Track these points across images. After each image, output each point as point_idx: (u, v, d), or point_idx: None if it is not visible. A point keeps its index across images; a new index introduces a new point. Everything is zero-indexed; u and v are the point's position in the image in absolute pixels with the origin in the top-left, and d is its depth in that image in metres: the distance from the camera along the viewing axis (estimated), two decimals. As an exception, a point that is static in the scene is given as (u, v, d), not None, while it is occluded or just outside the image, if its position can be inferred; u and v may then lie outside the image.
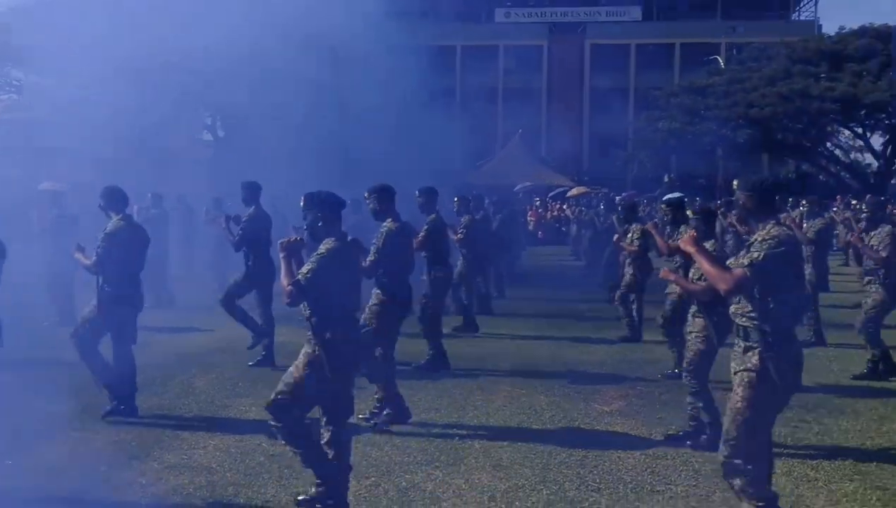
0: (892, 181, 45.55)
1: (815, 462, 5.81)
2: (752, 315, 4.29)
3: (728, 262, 4.51)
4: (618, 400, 7.63)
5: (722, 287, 4.30)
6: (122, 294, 6.63)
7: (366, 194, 7.06)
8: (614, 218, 13.36)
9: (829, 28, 60.34)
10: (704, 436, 6.19)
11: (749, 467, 4.29)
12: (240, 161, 17.32)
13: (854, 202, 23.71)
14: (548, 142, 49.68)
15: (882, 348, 8.34)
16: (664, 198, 9.61)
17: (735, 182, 4.54)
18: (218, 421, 6.84)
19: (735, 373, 4.37)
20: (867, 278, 8.44)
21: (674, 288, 8.00)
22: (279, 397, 4.86)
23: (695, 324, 6.28)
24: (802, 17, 55.37)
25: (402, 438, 6.33)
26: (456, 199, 11.28)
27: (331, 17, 16.40)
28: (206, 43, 14.41)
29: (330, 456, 4.89)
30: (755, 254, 4.22)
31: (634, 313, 10.51)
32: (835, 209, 21.15)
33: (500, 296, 13.99)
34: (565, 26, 53.54)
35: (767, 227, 4.32)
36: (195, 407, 7.27)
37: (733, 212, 14.15)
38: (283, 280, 4.76)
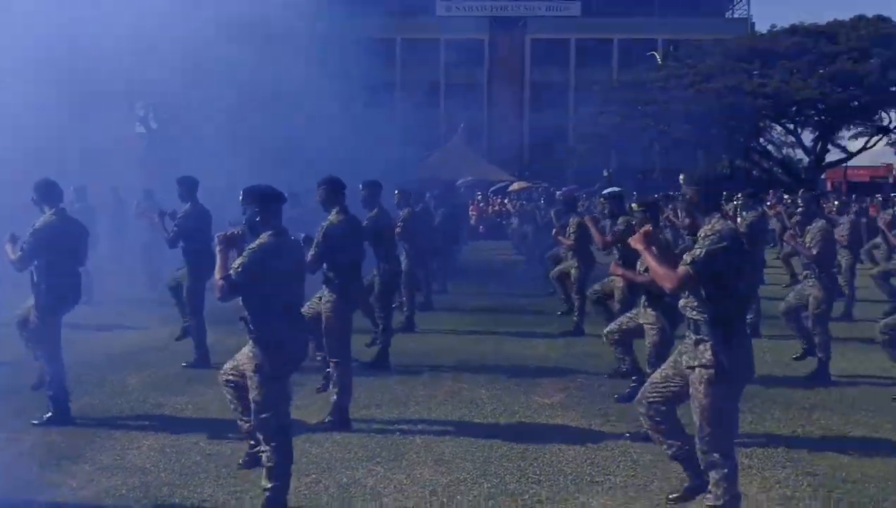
0: (822, 176, 46.94)
1: (748, 450, 5.92)
2: (701, 308, 4.34)
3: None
4: (559, 392, 7.68)
5: (667, 285, 4.35)
6: (57, 290, 6.40)
7: (317, 185, 6.95)
8: (552, 212, 13.46)
9: (762, 26, 61.83)
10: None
11: (727, 462, 4.37)
12: (174, 153, 16.95)
13: (786, 197, 24.33)
14: (489, 137, 49.92)
15: (828, 354, 8.26)
16: (603, 192, 9.70)
17: (682, 176, 4.59)
18: (152, 420, 6.69)
19: (690, 368, 4.41)
20: (805, 272, 8.55)
21: (618, 283, 8.10)
22: (262, 419, 4.73)
23: (647, 316, 6.37)
24: (736, 15, 56.61)
25: (342, 435, 6.27)
26: (397, 193, 11.23)
27: (268, 7, 16.13)
28: (135, 32, 14.00)
29: None
30: (697, 252, 4.26)
31: (577, 307, 10.62)
32: (768, 203, 21.63)
33: (441, 291, 13.98)
34: (506, 21, 53.82)
35: (712, 222, 4.37)
36: (128, 406, 7.09)
37: (669, 206, 14.41)
38: (217, 274, 4.64)
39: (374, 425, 6.55)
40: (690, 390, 4.41)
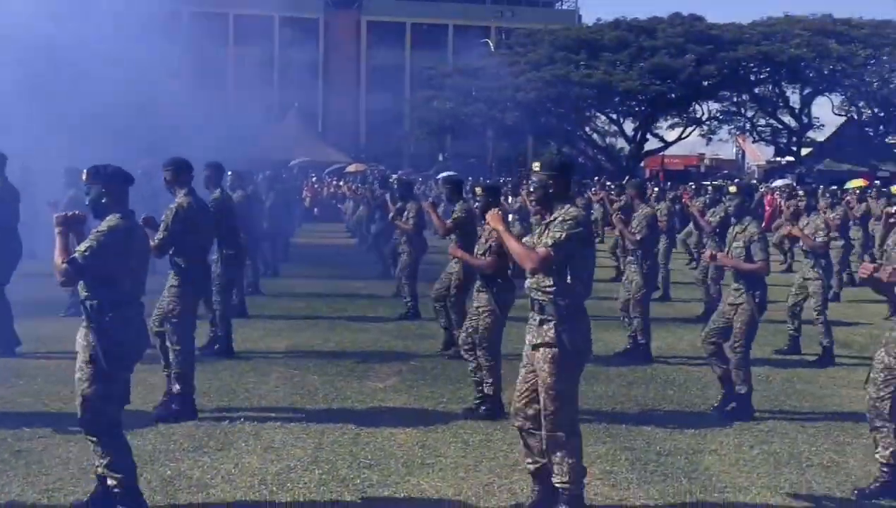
0: (641, 164, 49.67)
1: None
2: (550, 289, 4.41)
3: (525, 240, 4.67)
4: (392, 376, 7.71)
5: (528, 265, 4.40)
6: None
7: (163, 166, 6.63)
8: (387, 195, 13.48)
9: (588, 18, 64.45)
10: (485, 408, 6.43)
11: (571, 439, 4.45)
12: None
13: (609, 183, 25.52)
14: (325, 118, 49.34)
15: (648, 336, 8.60)
16: (442, 176, 9.79)
17: (536, 163, 4.62)
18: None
19: (534, 348, 4.48)
20: (629, 258, 8.91)
21: (454, 266, 8.20)
22: (89, 418, 4.39)
23: (479, 299, 6.47)
24: (565, 7, 58.75)
25: (166, 426, 6.00)
26: (230, 173, 10.86)
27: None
28: None
29: None
30: (557, 234, 4.33)
31: (410, 291, 10.68)
32: (593, 189, 22.64)
33: (273, 276, 13.70)
34: (341, 1, 53.25)
35: (566, 207, 4.45)
36: (-76, 402, 6.49)
37: (522, 190, 14.80)
38: (57, 258, 4.26)
39: (201, 414, 6.30)
40: (536, 367, 4.47)
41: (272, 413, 6.47)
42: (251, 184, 12.85)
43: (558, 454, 4.44)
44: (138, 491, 4.54)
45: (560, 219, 4.38)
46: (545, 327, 4.42)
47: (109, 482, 4.45)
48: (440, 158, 46.11)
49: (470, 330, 6.58)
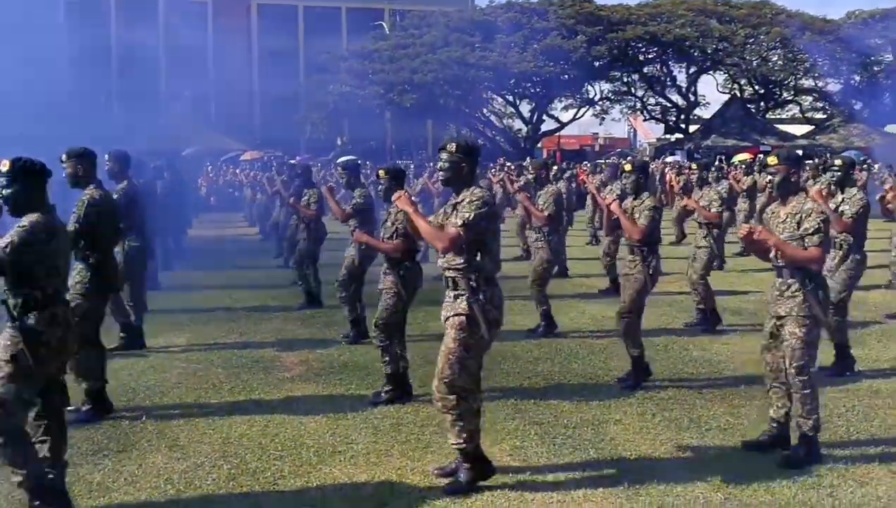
0: (539, 145, 50.46)
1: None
2: (462, 267, 4.61)
3: (432, 218, 4.86)
4: (298, 366, 7.61)
5: (439, 245, 4.59)
6: None
7: (63, 158, 6.31)
8: (279, 181, 13.26)
9: (481, 0, 64.70)
10: (384, 393, 6.41)
11: (465, 402, 4.61)
12: None
13: (508, 164, 25.81)
14: (217, 105, 48.09)
15: (548, 310, 8.80)
16: (339, 161, 9.66)
17: (452, 145, 4.73)
18: None
19: (446, 320, 4.66)
20: (535, 236, 9.05)
21: (351, 251, 8.14)
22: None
23: (385, 282, 6.45)
24: (459, -11, 58.81)
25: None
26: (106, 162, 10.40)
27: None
28: None
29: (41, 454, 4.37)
30: (466, 214, 4.52)
31: (312, 279, 10.53)
32: (492, 170, 22.82)
33: (168, 268, 13.28)
34: (230, -15, 51.97)
35: (472, 189, 4.66)
36: None
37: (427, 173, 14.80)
38: None
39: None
40: (445, 338, 4.65)
41: (175, 410, 6.29)
42: (143, 174, 12.40)
43: (450, 416, 4.65)
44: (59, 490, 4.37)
45: (468, 200, 4.59)
46: (458, 300, 4.63)
47: (13, 478, 4.25)
48: (339, 143, 45.67)
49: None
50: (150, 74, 44.32)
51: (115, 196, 6.89)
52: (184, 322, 9.61)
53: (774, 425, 5.34)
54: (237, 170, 29.36)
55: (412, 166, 21.52)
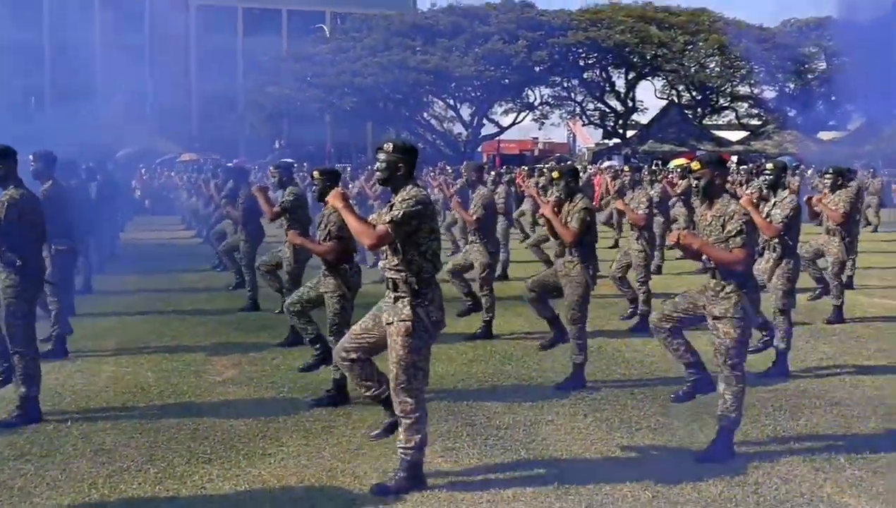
0: (479, 149, 50.71)
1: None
2: (399, 267, 4.61)
3: (371, 218, 4.93)
4: (230, 368, 7.51)
5: (366, 242, 4.60)
6: None
7: None
8: (213, 184, 13.09)
9: (423, 4, 64.96)
10: (326, 395, 6.37)
11: (419, 407, 4.67)
12: None
13: (448, 168, 25.88)
14: (153, 106, 47.17)
15: (492, 313, 8.80)
16: (274, 163, 9.60)
17: (389, 144, 4.73)
18: None
19: (389, 324, 4.64)
20: (470, 239, 9.11)
21: (286, 251, 8.08)
22: None
23: (326, 284, 6.38)
24: (400, -7, 58.80)
25: (-17, 435, 5.60)
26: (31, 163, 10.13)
27: None
28: None
29: None
30: (396, 213, 4.52)
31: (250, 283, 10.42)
32: (431, 173, 22.88)
33: (100, 272, 12.97)
34: (166, -17, 51.04)
35: (408, 188, 4.64)
36: None
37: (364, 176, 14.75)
38: None
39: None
40: (389, 342, 4.66)
41: (102, 413, 6.15)
42: (74, 176, 12.10)
43: (406, 420, 4.68)
44: None
45: (401, 198, 4.60)
46: (399, 304, 4.63)
47: None
48: (276, 145, 45.25)
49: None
50: (84, 73, 43.21)
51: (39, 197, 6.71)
52: (114, 325, 9.41)
53: (692, 370, 5.76)
54: (172, 173, 28.86)
55: (349, 169, 21.43)
